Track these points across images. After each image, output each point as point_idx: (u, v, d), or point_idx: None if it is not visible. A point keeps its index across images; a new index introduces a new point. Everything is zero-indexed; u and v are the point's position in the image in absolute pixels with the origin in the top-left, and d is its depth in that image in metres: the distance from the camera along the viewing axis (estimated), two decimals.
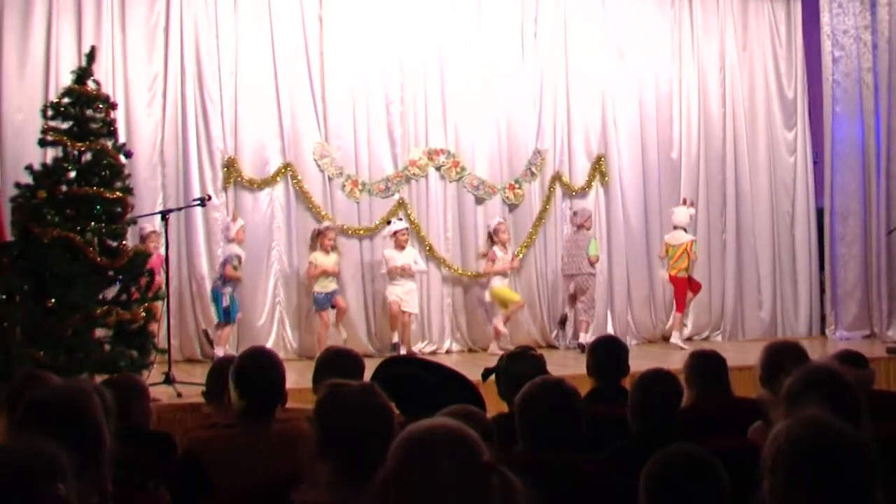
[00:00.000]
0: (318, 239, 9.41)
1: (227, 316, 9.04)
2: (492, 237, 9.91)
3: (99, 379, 6.27)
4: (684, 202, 10.48)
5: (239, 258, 9.12)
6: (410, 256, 9.64)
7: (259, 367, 3.32)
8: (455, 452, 1.89)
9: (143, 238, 8.71)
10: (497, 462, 1.93)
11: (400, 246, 9.59)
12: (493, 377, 4.20)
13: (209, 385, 3.99)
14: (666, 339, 10.48)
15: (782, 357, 3.61)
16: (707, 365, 4.10)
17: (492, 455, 1.95)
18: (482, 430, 2.75)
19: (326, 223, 9.58)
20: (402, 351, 9.31)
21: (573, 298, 10.14)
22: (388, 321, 9.73)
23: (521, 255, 10.30)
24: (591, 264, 10.04)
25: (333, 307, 9.47)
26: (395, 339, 9.48)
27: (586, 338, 9.78)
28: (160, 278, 7.63)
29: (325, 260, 9.35)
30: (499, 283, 9.86)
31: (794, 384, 2.72)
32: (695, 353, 4.23)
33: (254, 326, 9.54)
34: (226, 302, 9.02)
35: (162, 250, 8.11)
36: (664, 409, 3.37)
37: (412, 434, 1.94)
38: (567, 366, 8.70)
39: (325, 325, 9.37)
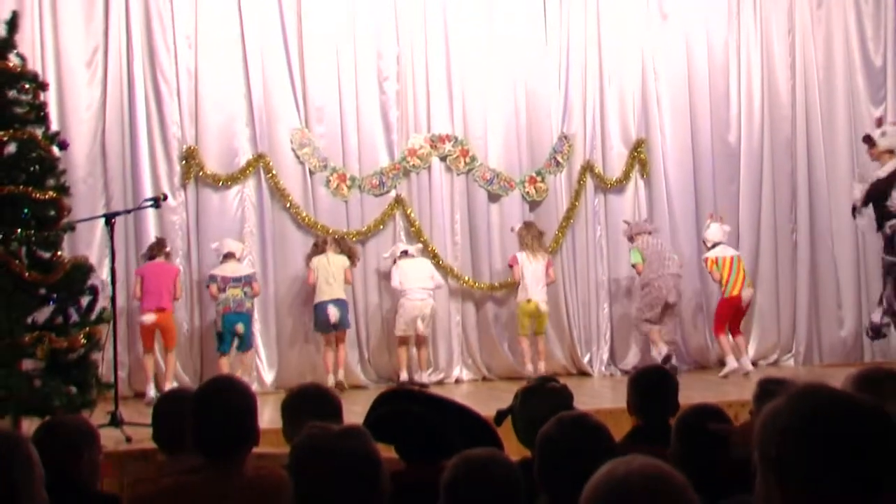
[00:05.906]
0: (322, 246, 9.45)
1: (220, 342, 9.11)
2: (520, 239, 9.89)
3: (27, 423, 6.28)
4: (712, 217, 10.35)
5: (214, 278, 9.16)
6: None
7: (223, 401, 3.25)
8: None
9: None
10: None
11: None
12: (509, 419, 4.15)
13: (159, 427, 3.92)
14: (723, 363, 10.36)
15: (878, 389, 3.43)
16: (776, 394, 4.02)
17: None
18: (509, 478, 2.74)
19: (334, 231, 9.71)
20: (404, 376, 9.46)
21: None
22: (395, 348, 9.77)
23: None
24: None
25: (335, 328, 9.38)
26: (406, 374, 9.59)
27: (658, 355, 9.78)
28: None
29: None
30: (531, 297, 9.75)
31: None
32: (763, 380, 4.17)
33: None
34: (217, 326, 9.11)
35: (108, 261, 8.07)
36: (712, 453, 3.32)
37: (611, 473, 1.89)
38: (603, 396, 8.68)
39: (328, 341, 9.42)
